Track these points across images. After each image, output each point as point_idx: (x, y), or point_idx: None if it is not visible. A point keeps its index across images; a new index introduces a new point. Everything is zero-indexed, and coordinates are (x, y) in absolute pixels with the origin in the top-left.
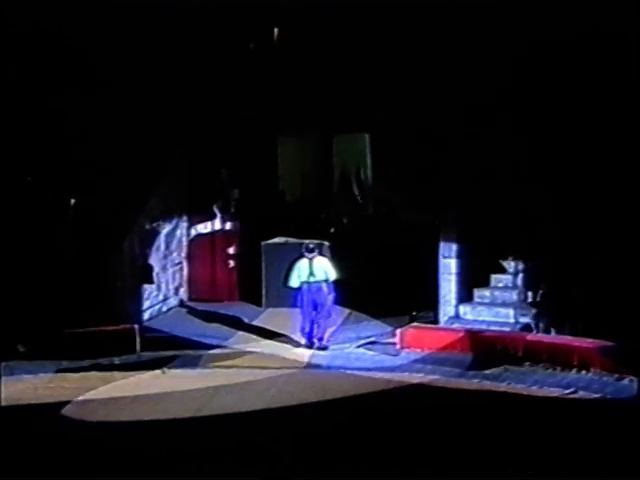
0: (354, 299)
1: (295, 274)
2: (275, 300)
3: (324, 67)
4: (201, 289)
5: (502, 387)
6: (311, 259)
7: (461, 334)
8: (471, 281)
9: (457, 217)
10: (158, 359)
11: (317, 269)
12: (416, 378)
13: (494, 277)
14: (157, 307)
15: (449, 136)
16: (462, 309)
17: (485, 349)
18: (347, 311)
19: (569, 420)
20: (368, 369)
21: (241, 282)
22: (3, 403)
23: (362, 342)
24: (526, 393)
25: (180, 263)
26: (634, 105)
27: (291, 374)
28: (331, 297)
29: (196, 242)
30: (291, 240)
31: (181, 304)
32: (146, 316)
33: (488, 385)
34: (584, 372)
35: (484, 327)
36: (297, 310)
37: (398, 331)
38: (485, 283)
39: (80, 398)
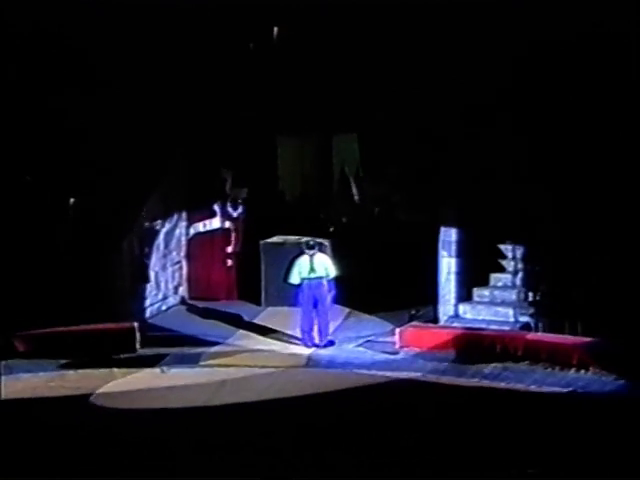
0: (354, 298)
1: (296, 270)
2: (274, 299)
3: (324, 67)
4: (200, 288)
5: (501, 386)
6: (312, 256)
7: (460, 333)
8: (471, 280)
9: (457, 216)
10: (158, 357)
11: (318, 265)
12: (415, 377)
13: (493, 276)
14: (156, 306)
15: (449, 136)
16: (461, 308)
17: (484, 348)
18: (347, 310)
19: (566, 417)
20: (368, 368)
21: (240, 281)
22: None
23: (362, 341)
24: (524, 391)
25: (179, 262)
26: (634, 105)
27: (290, 372)
28: (331, 294)
29: (195, 241)
30: (290, 239)
31: (182, 302)
32: (145, 315)
33: (487, 384)
34: (583, 371)
35: (483, 326)
36: (297, 309)
37: (397, 330)
38: (485, 282)
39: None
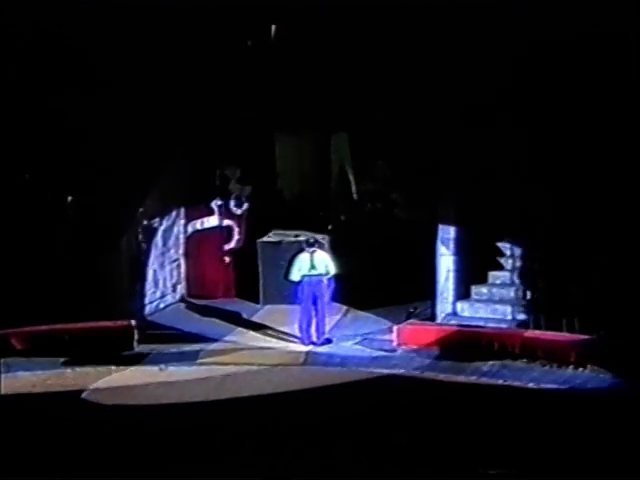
0: (352, 296)
1: (296, 268)
2: (272, 297)
3: (322, 64)
4: (199, 286)
5: (499, 383)
6: (312, 253)
7: (458, 331)
8: (469, 278)
9: (455, 214)
10: (156, 355)
11: (318, 262)
12: (413, 374)
13: (492, 274)
14: (155, 304)
15: (449, 135)
16: (459, 306)
17: (482, 346)
18: (344, 308)
19: (564, 414)
20: (365, 365)
21: (239, 279)
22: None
23: (359, 338)
24: (522, 388)
25: (177, 260)
26: (634, 105)
27: (288, 370)
28: (329, 291)
29: (193, 239)
30: (287, 235)
31: (182, 300)
32: (144, 313)
33: (485, 381)
34: (581, 369)
35: (481, 324)
36: (294, 307)
37: (395, 328)
38: (483, 280)
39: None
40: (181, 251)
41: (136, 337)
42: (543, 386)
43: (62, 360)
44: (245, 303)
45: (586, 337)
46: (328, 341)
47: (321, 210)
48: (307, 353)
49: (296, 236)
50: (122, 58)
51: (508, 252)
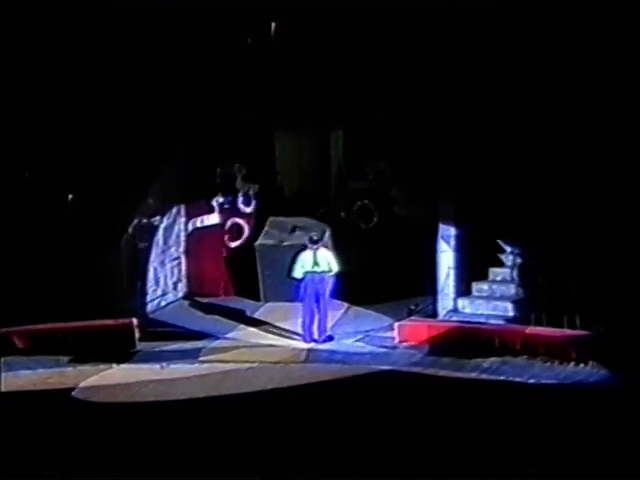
0: (353, 293)
1: (299, 265)
2: (274, 295)
3: (322, 62)
4: (199, 284)
5: (500, 380)
6: (315, 250)
7: (459, 327)
8: (470, 275)
9: (456, 212)
10: (157, 352)
11: (321, 260)
12: (414, 371)
13: (492, 271)
14: (156, 302)
15: (449, 136)
16: (460, 303)
17: (483, 342)
18: (346, 305)
19: (564, 410)
20: (367, 362)
21: (239, 277)
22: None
23: (361, 335)
24: (523, 384)
25: (178, 258)
26: (634, 105)
27: (290, 367)
28: (330, 288)
29: (194, 237)
30: (284, 243)
31: (185, 297)
32: (145, 311)
33: (486, 378)
34: (582, 365)
35: (482, 320)
36: (296, 305)
37: (396, 324)
38: (484, 277)
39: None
40: (182, 249)
41: (137, 335)
42: (544, 382)
43: (63, 359)
44: (246, 300)
45: (586, 333)
46: (330, 338)
47: (321, 207)
48: (308, 350)
49: (293, 228)
50: (122, 58)
51: (508, 249)
